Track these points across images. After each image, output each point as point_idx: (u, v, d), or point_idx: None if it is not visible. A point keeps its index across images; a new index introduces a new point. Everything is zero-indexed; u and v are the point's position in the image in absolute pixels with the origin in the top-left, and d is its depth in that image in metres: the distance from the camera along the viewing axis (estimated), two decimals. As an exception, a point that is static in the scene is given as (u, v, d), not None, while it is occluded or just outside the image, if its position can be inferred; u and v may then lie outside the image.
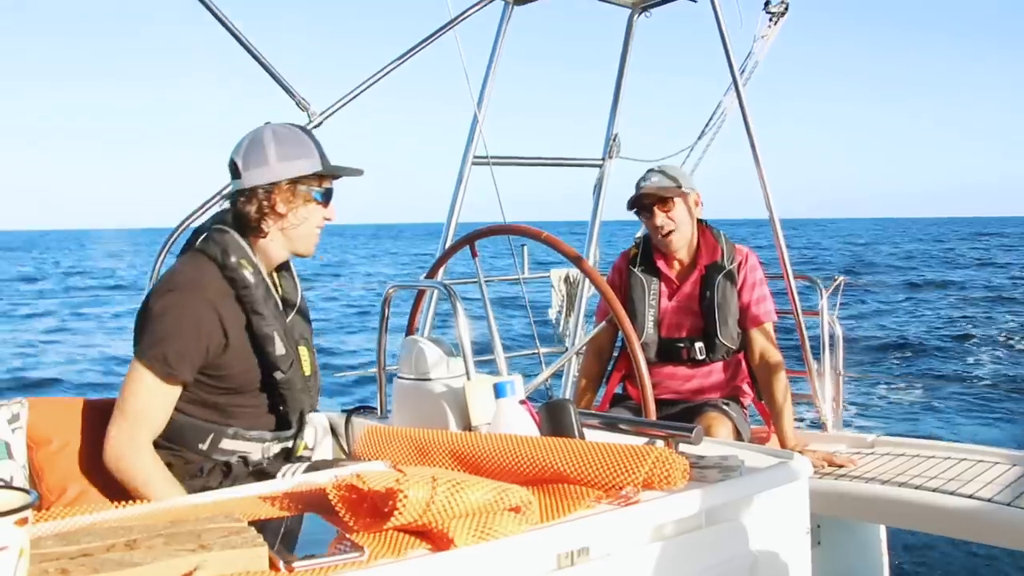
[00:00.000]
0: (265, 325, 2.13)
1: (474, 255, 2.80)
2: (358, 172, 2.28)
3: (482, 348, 2.61)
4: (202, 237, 2.20)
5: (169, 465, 2.13)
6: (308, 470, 2.13)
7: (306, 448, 2.36)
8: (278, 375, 2.16)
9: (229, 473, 2.14)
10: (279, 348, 2.15)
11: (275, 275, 2.31)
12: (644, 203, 3.19)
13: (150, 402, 2.05)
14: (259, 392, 2.19)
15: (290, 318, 2.28)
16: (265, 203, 2.16)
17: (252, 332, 2.13)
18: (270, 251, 2.22)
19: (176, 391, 2.09)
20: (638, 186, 3.23)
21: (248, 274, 2.13)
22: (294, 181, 2.16)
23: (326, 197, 2.23)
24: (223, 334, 2.09)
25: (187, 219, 2.91)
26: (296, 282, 2.38)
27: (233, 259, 2.13)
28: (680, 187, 3.15)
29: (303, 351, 2.28)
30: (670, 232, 3.17)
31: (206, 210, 2.89)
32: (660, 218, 3.15)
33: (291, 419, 2.26)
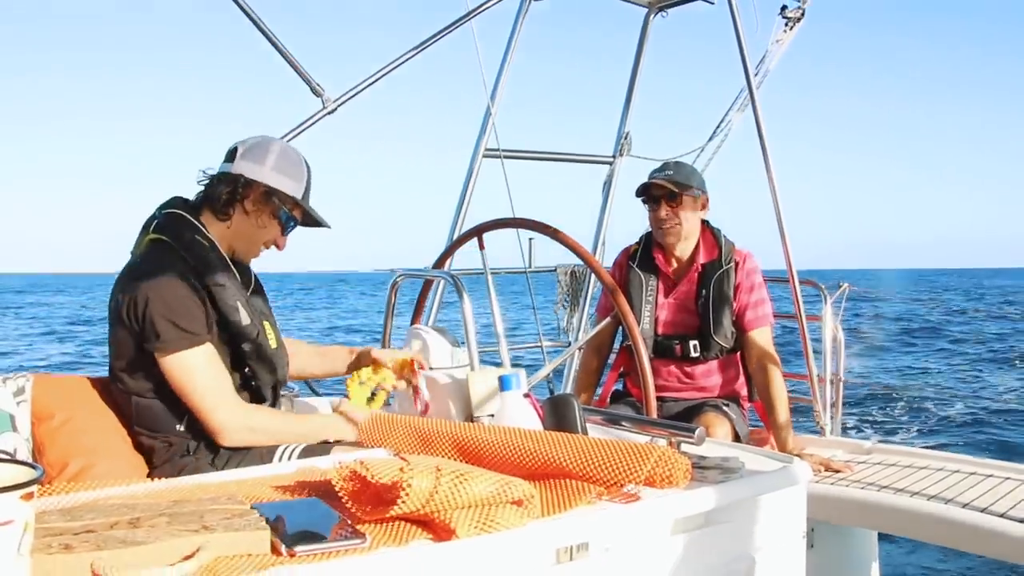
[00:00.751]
0: (228, 296, 2.18)
1: (481, 247, 2.81)
2: (324, 225, 2.36)
3: (486, 339, 2.62)
4: (155, 224, 2.23)
5: (152, 450, 2.17)
6: (304, 453, 2.14)
7: None
8: (246, 346, 2.20)
9: (217, 450, 2.16)
10: (244, 318, 2.19)
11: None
12: (653, 194, 3.18)
13: (212, 373, 2.10)
14: (230, 370, 2.21)
15: (249, 294, 2.31)
16: (239, 192, 2.22)
17: (216, 307, 2.17)
18: (223, 239, 2.26)
19: (214, 352, 2.14)
20: (651, 175, 3.22)
21: (204, 249, 2.19)
22: (272, 191, 2.23)
23: (288, 223, 2.30)
24: (202, 301, 2.14)
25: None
26: (248, 264, 2.43)
27: (187, 236, 2.19)
28: (691, 187, 3.14)
29: (266, 325, 2.31)
30: (671, 227, 3.16)
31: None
32: (664, 211, 3.14)
33: (264, 392, 2.29)
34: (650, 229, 3.31)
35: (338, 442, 2.16)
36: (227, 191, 2.22)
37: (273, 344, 2.30)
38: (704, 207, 3.22)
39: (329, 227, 2.37)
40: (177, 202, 2.28)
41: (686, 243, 3.21)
